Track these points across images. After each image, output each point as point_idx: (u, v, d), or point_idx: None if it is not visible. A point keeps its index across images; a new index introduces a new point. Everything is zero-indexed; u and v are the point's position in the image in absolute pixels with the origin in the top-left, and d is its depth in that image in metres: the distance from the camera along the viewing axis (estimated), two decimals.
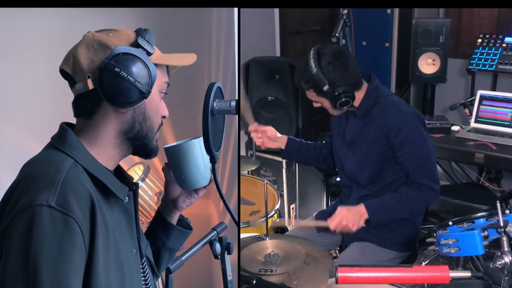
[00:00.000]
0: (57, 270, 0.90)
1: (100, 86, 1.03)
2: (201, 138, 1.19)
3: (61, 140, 1.05)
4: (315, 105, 2.02)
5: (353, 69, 1.91)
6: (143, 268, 1.19)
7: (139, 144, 1.12)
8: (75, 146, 1.04)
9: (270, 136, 2.17)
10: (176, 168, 1.25)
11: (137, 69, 1.04)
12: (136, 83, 1.03)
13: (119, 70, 1.02)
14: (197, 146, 1.23)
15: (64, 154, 1.02)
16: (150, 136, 1.12)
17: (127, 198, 1.11)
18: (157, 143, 1.17)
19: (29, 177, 0.98)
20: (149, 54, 1.07)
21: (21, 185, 0.97)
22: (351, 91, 1.90)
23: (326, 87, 1.87)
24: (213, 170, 1.12)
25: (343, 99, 1.89)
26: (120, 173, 1.18)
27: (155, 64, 1.08)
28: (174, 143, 1.27)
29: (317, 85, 1.88)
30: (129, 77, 1.02)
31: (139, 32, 1.09)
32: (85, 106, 1.08)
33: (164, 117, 1.16)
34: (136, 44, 1.06)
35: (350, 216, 1.90)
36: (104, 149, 1.08)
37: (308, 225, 2.02)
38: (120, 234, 1.07)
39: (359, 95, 1.97)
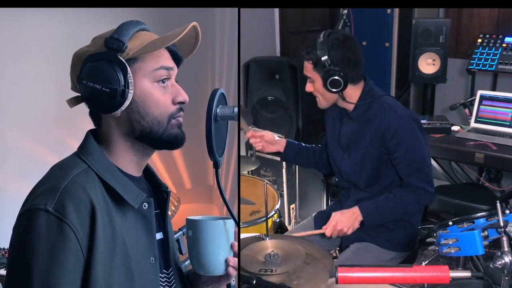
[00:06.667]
0: (48, 273, 0.92)
1: (83, 99, 1.05)
2: (229, 221, 1.14)
3: (81, 146, 1.08)
4: (307, 88, 1.99)
5: (356, 58, 1.92)
6: (168, 279, 1.17)
7: (149, 140, 1.08)
8: (91, 152, 1.05)
9: (268, 140, 2.17)
10: (193, 244, 1.16)
11: (103, 75, 1.01)
12: (104, 89, 1.00)
13: (86, 82, 1.02)
14: (222, 227, 1.13)
15: (79, 160, 1.04)
16: (157, 130, 1.06)
17: (146, 205, 1.08)
18: (180, 130, 1.10)
19: (42, 180, 1.02)
20: (120, 51, 1.02)
21: (36, 186, 1.02)
22: (346, 74, 1.88)
23: (324, 58, 1.86)
24: (216, 175, 1.10)
25: (335, 77, 1.87)
26: (153, 179, 1.19)
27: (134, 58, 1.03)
28: (199, 217, 1.18)
29: (317, 55, 1.88)
30: (96, 85, 1.01)
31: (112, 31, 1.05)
32: (93, 118, 1.11)
33: (182, 102, 1.09)
34: (104, 47, 1.02)
35: (344, 220, 1.91)
36: (120, 154, 1.09)
37: (306, 235, 2.02)
38: (134, 241, 1.05)
39: (354, 92, 1.95)
